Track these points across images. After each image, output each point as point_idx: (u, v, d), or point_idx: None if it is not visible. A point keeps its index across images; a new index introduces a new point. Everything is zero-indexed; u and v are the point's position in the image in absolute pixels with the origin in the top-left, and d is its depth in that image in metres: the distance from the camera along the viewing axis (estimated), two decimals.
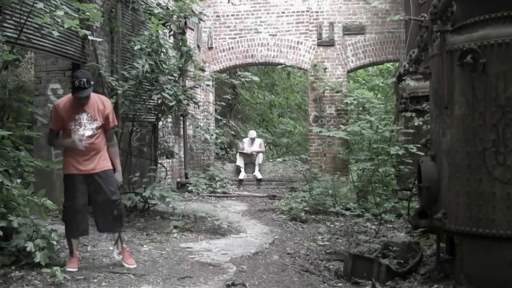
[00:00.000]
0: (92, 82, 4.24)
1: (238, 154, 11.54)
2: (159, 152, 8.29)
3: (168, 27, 7.36)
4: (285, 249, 5.81)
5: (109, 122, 4.38)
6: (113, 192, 4.30)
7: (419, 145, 6.41)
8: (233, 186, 10.96)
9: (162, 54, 6.88)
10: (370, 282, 4.39)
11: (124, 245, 4.50)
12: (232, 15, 11.80)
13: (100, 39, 6.06)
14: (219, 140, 10.67)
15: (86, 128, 4.23)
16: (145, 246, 5.36)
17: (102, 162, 4.30)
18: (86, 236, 4.60)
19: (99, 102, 4.34)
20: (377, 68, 15.61)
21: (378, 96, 13.55)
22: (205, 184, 9.71)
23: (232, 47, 11.84)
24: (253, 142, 11.64)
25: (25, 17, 4.73)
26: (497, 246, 3.97)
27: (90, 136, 4.23)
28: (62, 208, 4.38)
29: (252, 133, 11.93)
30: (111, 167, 4.39)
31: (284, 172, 11.28)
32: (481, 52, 4.00)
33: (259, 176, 11.27)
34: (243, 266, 4.78)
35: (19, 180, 4.43)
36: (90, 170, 4.23)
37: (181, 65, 7.17)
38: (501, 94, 3.95)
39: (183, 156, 10.30)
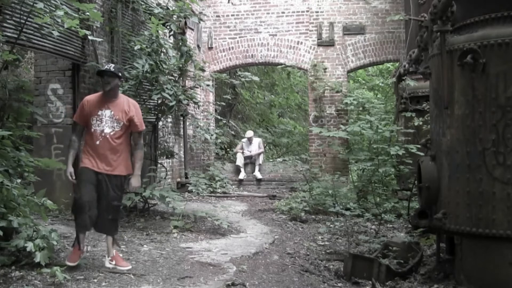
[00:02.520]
0: (121, 74, 4.39)
1: (238, 154, 11.52)
2: (159, 152, 8.28)
3: (168, 27, 7.36)
4: (285, 249, 5.81)
5: (135, 125, 4.41)
6: (114, 198, 4.33)
7: (419, 145, 6.42)
8: (233, 186, 10.96)
9: (162, 54, 6.88)
10: (370, 282, 4.40)
11: (114, 251, 4.45)
12: (232, 15, 11.80)
13: (100, 39, 6.06)
14: (219, 140, 10.68)
15: (106, 125, 4.28)
16: (145, 246, 5.36)
17: (119, 167, 4.33)
18: (88, 231, 4.54)
19: (126, 103, 4.42)
20: (377, 68, 15.61)
21: (378, 96, 13.55)
22: (205, 184, 9.69)
23: (232, 47, 11.84)
24: (251, 142, 11.61)
25: (25, 17, 4.73)
26: (497, 246, 3.97)
27: (109, 134, 4.27)
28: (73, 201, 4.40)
29: (249, 133, 11.88)
30: (123, 174, 4.40)
31: (284, 172, 11.28)
32: (481, 52, 4.00)
33: (259, 176, 11.27)
34: (243, 266, 4.78)
35: (19, 180, 4.43)
36: (104, 170, 4.26)
37: (181, 65, 7.17)
38: (501, 94, 3.95)
39: (183, 156, 10.29)
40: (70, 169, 4.25)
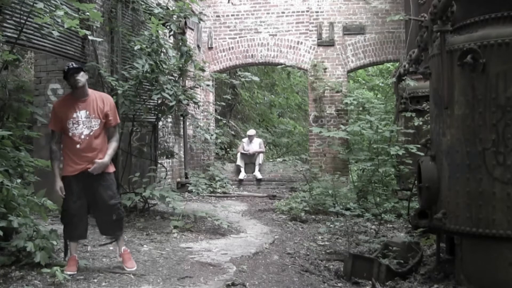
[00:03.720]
0: (83, 68, 4.25)
1: (238, 154, 11.53)
2: (159, 152, 8.29)
3: (168, 27, 7.36)
4: (285, 249, 5.81)
5: (110, 120, 4.29)
6: (111, 196, 4.21)
7: (419, 145, 6.42)
8: (233, 186, 10.96)
9: (162, 54, 6.88)
10: (370, 282, 4.40)
11: (123, 248, 4.41)
12: (232, 15, 11.80)
13: (100, 39, 6.05)
14: (219, 140, 10.67)
15: (84, 127, 4.14)
16: (145, 246, 5.36)
17: None
18: (84, 239, 4.59)
19: (99, 99, 4.27)
20: (377, 68, 15.60)
21: (378, 96, 13.55)
22: (205, 184, 9.70)
23: (232, 47, 11.84)
24: (251, 141, 11.59)
25: (25, 17, 4.73)
26: (497, 246, 3.97)
27: (89, 135, 4.15)
28: (61, 209, 4.31)
29: (251, 132, 11.88)
30: (112, 171, 4.31)
31: (284, 172, 11.28)
32: (481, 52, 4.00)
33: (259, 176, 11.27)
34: (243, 266, 4.78)
35: (19, 180, 4.42)
36: (88, 165, 4.11)
37: (181, 65, 7.17)
38: (501, 94, 3.95)
39: (183, 156, 10.30)
40: (60, 183, 4.08)
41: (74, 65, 4.16)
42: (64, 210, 4.21)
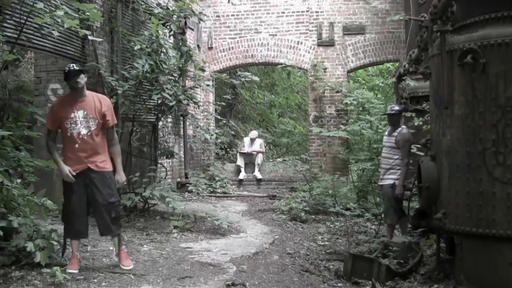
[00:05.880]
0: (83, 69, 4.30)
1: (238, 154, 11.53)
2: (159, 152, 8.28)
3: (168, 27, 7.36)
4: (285, 249, 5.81)
5: (107, 121, 4.33)
6: (110, 195, 4.26)
7: (419, 145, 6.41)
8: (233, 186, 10.96)
9: (162, 54, 6.88)
10: (370, 282, 4.40)
11: (121, 247, 4.44)
12: (232, 15, 11.80)
13: (100, 39, 6.05)
14: (219, 140, 10.67)
15: (82, 126, 4.20)
16: (145, 246, 5.36)
17: (100, 163, 4.25)
18: (85, 238, 4.59)
19: (96, 100, 4.33)
20: (377, 68, 15.60)
21: (378, 96, 13.54)
22: (205, 184, 9.70)
23: (232, 47, 11.84)
24: (253, 142, 11.62)
25: (25, 17, 4.73)
26: (497, 246, 3.98)
27: (87, 135, 4.20)
28: (62, 208, 4.36)
29: (253, 133, 11.91)
30: (111, 169, 4.35)
31: (284, 172, 11.28)
32: (481, 52, 4.01)
33: (259, 176, 11.27)
34: (243, 266, 4.78)
35: (19, 180, 4.43)
36: (87, 164, 4.18)
37: (181, 65, 7.17)
38: (501, 94, 3.96)
39: (183, 156, 10.29)
40: (66, 168, 4.13)
41: (75, 67, 4.21)
42: (64, 208, 4.26)
